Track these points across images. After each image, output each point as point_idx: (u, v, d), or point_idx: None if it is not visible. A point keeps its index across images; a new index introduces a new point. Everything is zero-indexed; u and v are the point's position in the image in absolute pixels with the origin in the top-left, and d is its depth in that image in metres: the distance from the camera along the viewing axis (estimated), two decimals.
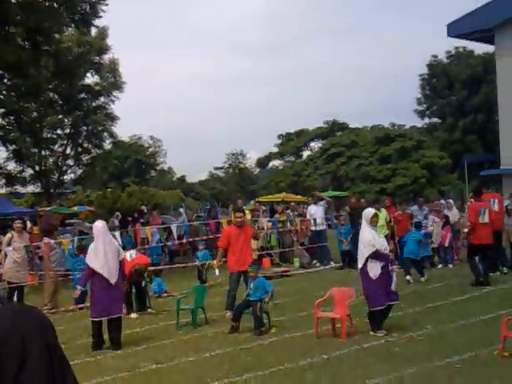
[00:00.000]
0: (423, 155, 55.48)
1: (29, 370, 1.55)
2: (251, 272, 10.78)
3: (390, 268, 9.67)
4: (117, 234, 17.99)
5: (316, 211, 19.50)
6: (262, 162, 77.06)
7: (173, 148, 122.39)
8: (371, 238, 9.62)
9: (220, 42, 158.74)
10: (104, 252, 9.74)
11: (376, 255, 9.51)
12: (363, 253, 9.58)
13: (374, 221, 9.86)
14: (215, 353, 8.97)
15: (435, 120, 63.78)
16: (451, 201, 19.64)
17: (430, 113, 63.38)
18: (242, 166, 77.19)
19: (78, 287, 10.99)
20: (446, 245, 17.34)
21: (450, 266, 17.12)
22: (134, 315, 12.44)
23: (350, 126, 68.93)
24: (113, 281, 9.68)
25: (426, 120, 64.69)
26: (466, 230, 14.57)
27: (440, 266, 17.15)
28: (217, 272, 12.17)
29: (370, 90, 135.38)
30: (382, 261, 9.52)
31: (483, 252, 13.86)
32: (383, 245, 9.73)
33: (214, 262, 13.17)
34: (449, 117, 59.45)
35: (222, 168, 77.95)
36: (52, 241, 14.82)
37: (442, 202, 19.45)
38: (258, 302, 10.19)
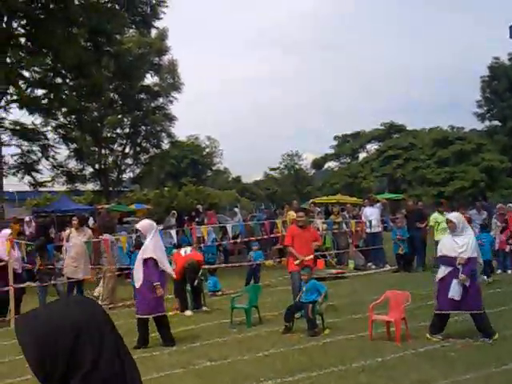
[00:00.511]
0: (483, 158, 54.43)
1: (105, 357, 1.61)
2: (303, 275, 10.78)
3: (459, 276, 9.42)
4: (173, 232, 18.27)
5: (372, 213, 19.37)
6: (318, 164, 76.78)
7: (229, 148, 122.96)
8: (441, 243, 9.92)
9: (274, 41, 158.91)
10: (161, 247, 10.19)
11: (441, 260, 9.66)
12: None
13: (449, 226, 9.74)
14: (268, 352, 9.00)
15: (495, 123, 62.48)
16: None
17: (491, 116, 62.11)
18: (297, 166, 77.09)
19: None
20: (507, 250, 16.97)
21: (510, 271, 16.76)
22: (188, 312, 12.59)
23: (408, 128, 68.05)
24: (137, 285, 9.88)
25: (486, 123, 63.44)
26: None
27: (499, 271, 16.81)
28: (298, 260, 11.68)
29: (430, 92, 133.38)
30: (448, 266, 9.39)
31: None
32: (455, 250, 9.48)
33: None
34: (510, 120, 58.15)
35: (277, 169, 77.99)
36: (112, 237, 15.14)
37: (508, 205, 18.96)
38: (310, 304, 10.20)
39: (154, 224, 10.64)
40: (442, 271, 9.48)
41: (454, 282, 9.32)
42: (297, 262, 11.39)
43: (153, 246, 9.92)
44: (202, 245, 17.83)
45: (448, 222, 9.76)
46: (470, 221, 17.66)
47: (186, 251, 13.27)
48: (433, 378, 7.37)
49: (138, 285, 9.87)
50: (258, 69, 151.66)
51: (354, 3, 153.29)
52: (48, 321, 1.62)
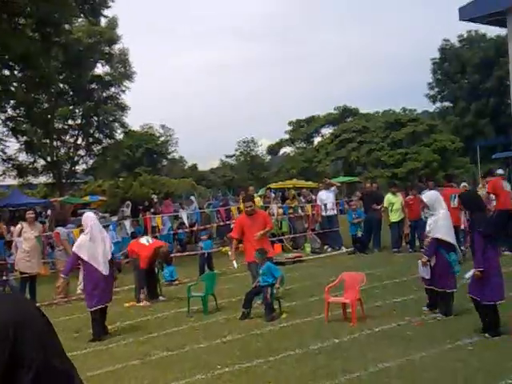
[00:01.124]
0: (435, 139, 55.27)
1: (50, 356, 1.53)
2: (257, 259, 10.78)
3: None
4: (127, 222, 18.11)
5: (327, 197, 19.47)
6: (273, 149, 76.94)
7: (184, 137, 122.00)
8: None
9: (224, 28, 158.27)
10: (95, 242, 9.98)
11: None
12: None
13: (422, 206, 9.87)
14: (226, 339, 8.99)
15: (447, 104, 63.39)
16: (466, 184, 19.52)
17: (442, 97, 62.97)
18: (253, 153, 77.05)
19: (63, 276, 10.86)
20: (463, 227, 17.22)
21: (463, 248, 17.00)
22: (145, 303, 12.50)
23: (361, 112, 68.61)
24: (105, 272, 9.87)
25: (438, 104, 64.36)
26: None
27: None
28: (235, 265, 11.97)
29: (381, 75, 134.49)
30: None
31: None
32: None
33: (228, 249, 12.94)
34: (461, 101, 59.05)
35: (233, 156, 77.83)
36: (64, 230, 14.88)
37: (462, 184, 19.20)
38: (267, 288, 10.21)
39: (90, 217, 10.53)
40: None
41: (419, 262, 9.62)
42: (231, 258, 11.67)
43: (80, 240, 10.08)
44: (157, 234, 17.68)
45: (420, 201, 9.85)
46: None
47: (148, 240, 13.19)
48: (389, 357, 7.44)
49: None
50: (210, 56, 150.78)
51: None
52: None
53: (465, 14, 33.71)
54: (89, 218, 10.42)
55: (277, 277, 10.37)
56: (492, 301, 8.09)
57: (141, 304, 12.39)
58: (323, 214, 19.26)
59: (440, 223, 9.39)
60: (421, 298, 10.68)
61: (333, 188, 20.02)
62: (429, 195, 10.23)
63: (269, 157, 78.82)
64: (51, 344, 1.56)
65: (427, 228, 9.71)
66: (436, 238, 9.33)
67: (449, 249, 9.34)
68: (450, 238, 9.39)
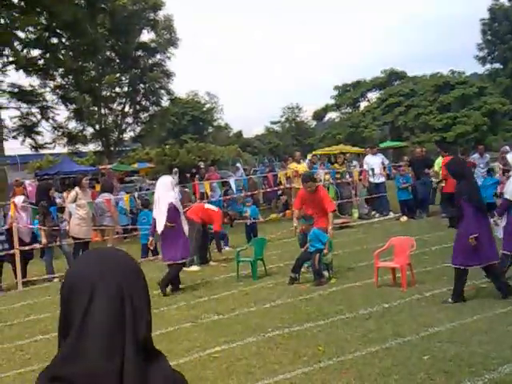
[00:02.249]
0: (485, 102, 54.01)
1: (95, 313, 1.57)
2: (304, 225, 10.76)
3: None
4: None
5: (374, 162, 19.29)
6: (319, 115, 76.32)
7: (229, 103, 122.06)
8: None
9: None
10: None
11: None
12: None
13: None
14: (275, 303, 9.07)
15: (497, 66, 61.81)
16: (508, 147, 19.07)
17: (492, 58, 61.42)
18: (298, 119, 76.67)
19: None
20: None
21: None
22: (195, 267, 12.65)
23: (408, 75, 67.34)
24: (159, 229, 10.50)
25: (488, 66, 62.78)
26: None
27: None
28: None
29: (429, 37, 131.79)
30: None
31: None
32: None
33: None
34: (511, 62, 57.50)
35: (278, 122, 77.60)
36: (112, 197, 15.03)
37: (507, 148, 18.80)
38: (316, 254, 10.23)
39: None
40: None
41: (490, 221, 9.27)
42: (292, 227, 11.37)
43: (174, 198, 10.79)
44: (205, 200, 17.82)
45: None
46: (474, 165, 17.66)
47: (210, 206, 14.02)
48: (440, 321, 7.42)
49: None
50: (255, 23, 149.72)
51: None
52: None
53: None
54: (171, 180, 11.17)
55: (324, 242, 10.38)
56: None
57: (192, 269, 12.54)
58: (370, 179, 19.11)
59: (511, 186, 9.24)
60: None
61: (380, 154, 19.83)
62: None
63: (314, 123, 78.35)
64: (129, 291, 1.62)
65: (504, 188, 9.61)
66: (506, 198, 9.19)
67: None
68: None
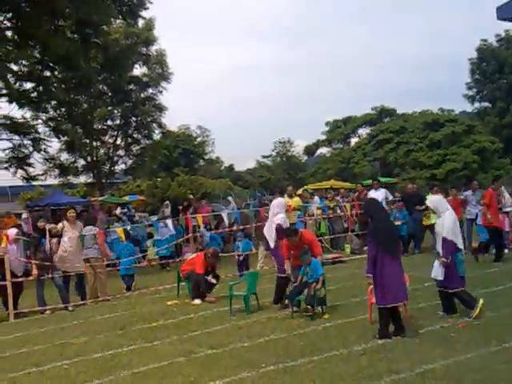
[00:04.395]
0: (474, 140, 54.54)
1: None
2: (303, 261, 10.78)
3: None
4: (169, 222, 18.28)
5: (376, 196, 19.34)
6: (310, 150, 76.69)
7: (221, 137, 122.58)
8: None
9: (261, 31, 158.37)
10: None
11: None
12: None
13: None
14: (269, 338, 9.02)
15: (485, 104, 62.61)
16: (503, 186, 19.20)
17: (480, 97, 62.22)
18: (289, 153, 76.98)
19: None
20: (507, 229, 16.98)
21: (506, 251, 16.78)
22: (197, 301, 12.58)
23: (398, 112, 67.98)
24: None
25: (476, 105, 63.59)
26: None
27: (494, 251, 16.84)
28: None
29: (419, 76, 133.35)
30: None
31: None
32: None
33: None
34: (499, 101, 58.31)
35: (269, 156, 77.87)
36: (94, 229, 14.82)
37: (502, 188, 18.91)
38: (313, 283, 10.36)
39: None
40: None
41: (436, 263, 9.65)
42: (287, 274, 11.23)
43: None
44: (197, 234, 17.84)
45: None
46: (464, 202, 17.76)
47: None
48: (434, 358, 7.39)
49: None
50: (246, 58, 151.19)
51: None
52: None
53: (503, 13, 33.27)
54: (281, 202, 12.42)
55: (319, 275, 10.41)
56: None
57: (195, 302, 12.52)
58: None
59: (449, 224, 9.52)
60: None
61: (382, 189, 19.88)
62: (430, 200, 10.46)
63: (305, 157, 78.68)
64: None
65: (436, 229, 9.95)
66: (445, 238, 9.44)
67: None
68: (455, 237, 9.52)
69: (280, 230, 11.59)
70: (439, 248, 9.62)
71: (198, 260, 13.04)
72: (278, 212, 11.98)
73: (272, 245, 11.79)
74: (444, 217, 9.60)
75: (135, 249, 17.41)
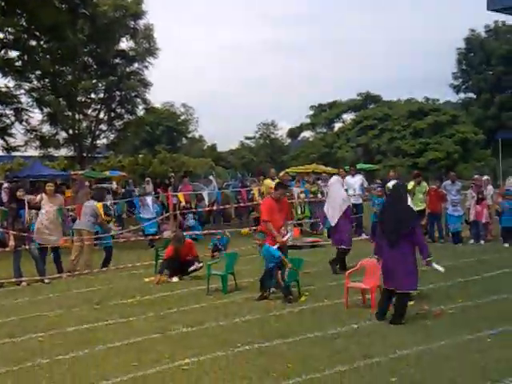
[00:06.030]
0: (457, 130, 54.86)
1: None
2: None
3: None
4: (149, 199, 18.19)
5: (354, 182, 19.40)
6: (294, 133, 76.78)
7: (204, 116, 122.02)
8: None
9: (255, 10, 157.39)
10: None
11: None
12: None
13: None
14: (245, 318, 9.03)
15: (470, 95, 62.90)
16: (488, 177, 19.38)
17: (466, 88, 62.48)
18: (272, 136, 76.95)
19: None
20: (484, 221, 17.12)
21: (482, 242, 16.93)
22: (175, 279, 12.56)
23: (384, 99, 68.13)
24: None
25: (461, 95, 63.88)
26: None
27: (471, 241, 17.00)
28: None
29: (405, 63, 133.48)
30: None
31: None
32: None
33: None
34: (485, 92, 58.59)
35: (253, 138, 77.79)
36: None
37: (485, 177, 19.05)
38: (277, 270, 10.27)
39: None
40: None
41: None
42: (276, 245, 10.71)
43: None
44: (177, 211, 17.80)
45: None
46: (445, 197, 17.81)
47: None
48: (409, 344, 7.44)
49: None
50: (235, 37, 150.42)
51: None
52: None
53: (493, 4, 33.35)
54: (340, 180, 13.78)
55: (277, 257, 10.37)
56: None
57: (172, 280, 12.49)
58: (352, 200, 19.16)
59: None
60: (440, 288, 10.70)
61: (359, 176, 19.93)
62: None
63: (288, 140, 78.71)
64: None
65: None
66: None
67: None
68: None
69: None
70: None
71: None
72: (336, 192, 12.94)
73: (334, 222, 12.67)
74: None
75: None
